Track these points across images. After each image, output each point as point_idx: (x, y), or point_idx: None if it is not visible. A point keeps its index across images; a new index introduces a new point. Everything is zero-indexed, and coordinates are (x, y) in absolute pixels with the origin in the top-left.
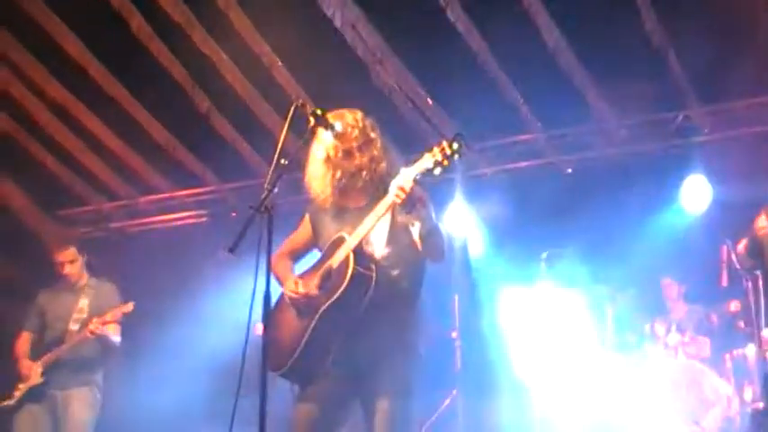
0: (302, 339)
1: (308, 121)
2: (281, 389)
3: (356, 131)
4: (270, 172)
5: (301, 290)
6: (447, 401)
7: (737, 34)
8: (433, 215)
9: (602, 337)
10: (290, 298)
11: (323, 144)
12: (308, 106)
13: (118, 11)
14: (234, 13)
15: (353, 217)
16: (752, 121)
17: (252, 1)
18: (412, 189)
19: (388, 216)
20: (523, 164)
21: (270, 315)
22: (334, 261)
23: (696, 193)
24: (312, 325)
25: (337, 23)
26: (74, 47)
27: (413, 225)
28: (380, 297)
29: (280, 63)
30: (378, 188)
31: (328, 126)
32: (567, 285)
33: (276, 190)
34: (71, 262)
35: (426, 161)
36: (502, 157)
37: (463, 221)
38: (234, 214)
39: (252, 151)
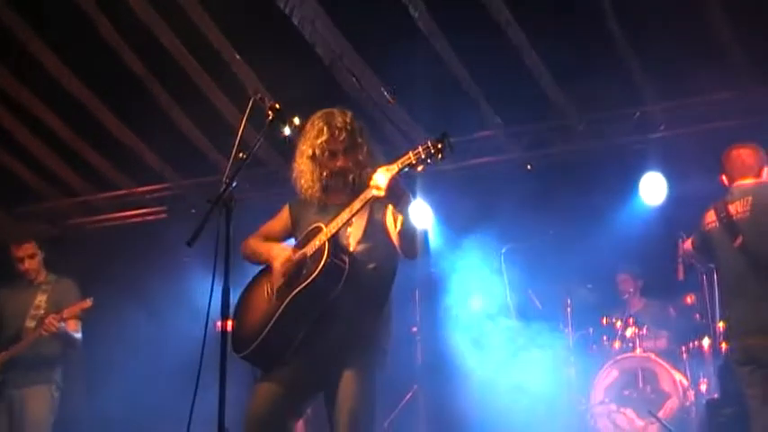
0: (269, 322)
1: (267, 115)
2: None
3: (344, 134)
4: (228, 166)
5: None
6: (408, 396)
7: (694, 32)
8: (412, 213)
9: (561, 331)
10: (286, 263)
11: (309, 141)
12: (266, 100)
13: (79, 6)
14: (193, 8)
15: (335, 212)
16: (707, 118)
17: None
18: (396, 183)
19: (366, 212)
20: (484, 160)
21: (238, 300)
22: (309, 249)
23: (653, 189)
24: (281, 309)
25: (295, 20)
26: (31, 40)
27: (395, 220)
28: (352, 290)
29: (238, 57)
30: (361, 190)
31: (287, 121)
32: (526, 280)
33: (235, 184)
34: (30, 257)
35: (410, 158)
36: (462, 154)
37: (423, 217)
38: (193, 210)
39: (211, 147)
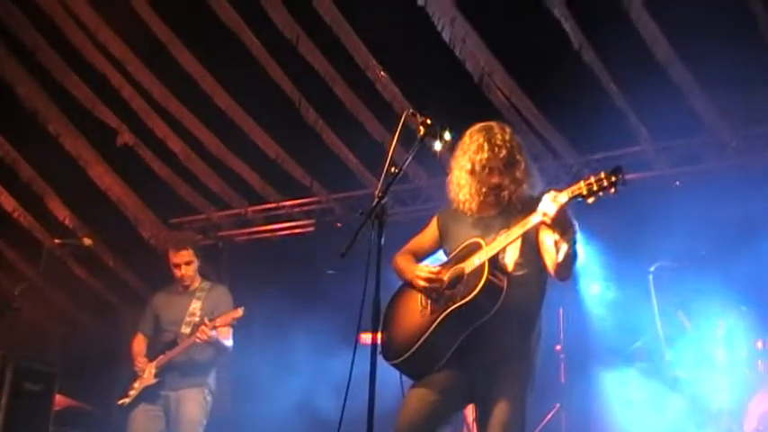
0: (424, 334)
1: (419, 130)
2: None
3: (503, 151)
4: (381, 180)
5: (434, 270)
6: (550, 415)
7: None
8: (578, 241)
9: (711, 353)
10: (423, 281)
11: (468, 156)
12: (418, 116)
13: (229, 26)
14: (340, 26)
15: (484, 224)
16: None
17: (358, 13)
18: (564, 212)
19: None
20: (632, 176)
21: (386, 310)
22: (468, 265)
23: None
24: (436, 323)
25: (446, 37)
26: (189, 62)
27: (557, 249)
28: (507, 309)
29: (383, 74)
30: (516, 206)
31: (438, 135)
32: (676, 300)
33: (386, 198)
34: (187, 263)
35: (581, 188)
36: (610, 169)
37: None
38: (339, 224)
39: (358, 163)
